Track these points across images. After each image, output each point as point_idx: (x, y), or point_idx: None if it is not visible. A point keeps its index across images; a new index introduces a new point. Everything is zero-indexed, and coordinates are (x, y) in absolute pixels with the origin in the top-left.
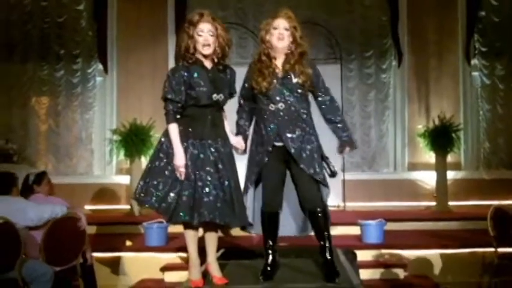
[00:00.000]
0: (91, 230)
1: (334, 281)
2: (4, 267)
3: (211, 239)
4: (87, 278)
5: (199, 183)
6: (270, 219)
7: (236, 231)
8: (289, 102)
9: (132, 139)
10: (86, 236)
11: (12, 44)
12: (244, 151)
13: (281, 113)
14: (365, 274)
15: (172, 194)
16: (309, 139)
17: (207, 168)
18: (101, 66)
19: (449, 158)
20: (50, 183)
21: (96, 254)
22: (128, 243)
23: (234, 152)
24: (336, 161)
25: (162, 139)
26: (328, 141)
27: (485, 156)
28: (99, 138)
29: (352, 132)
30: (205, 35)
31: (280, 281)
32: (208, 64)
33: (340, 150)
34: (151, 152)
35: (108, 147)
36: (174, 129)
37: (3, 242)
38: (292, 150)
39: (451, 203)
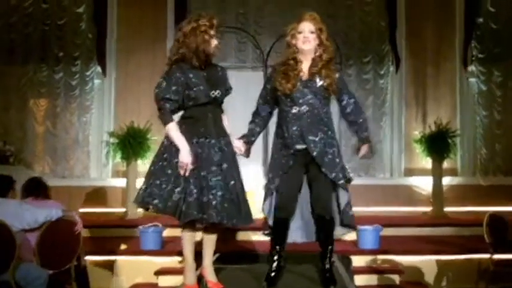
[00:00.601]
0: (86, 233)
1: None
2: None
3: (210, 242)
4: (81, 281)
5: (205, 184)
6: (281, 225)
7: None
8: (312, 105)
9: (130, 142)
10: (80, 239)
11: (13, 46)
12: (247, 155)
13: (304, 116)
14: (360, 280)
15: (177, 193)
16: (331, 143)
17: (213, 168)
18: (99, 69)
19: (446, 164)
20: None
21: (90, 257)
22: (123, 246)
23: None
24: None
25: (165, 141)
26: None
27: (482, 162)
28: (96, 141)
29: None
30: (216, 38)
31: (282, 287)
32: (201, 63)
33: (359, 150)
34: (148, 154)
35: (105, 150)
36: (173, 127)
37: None
38: (315, 153)
39: (447, 209)
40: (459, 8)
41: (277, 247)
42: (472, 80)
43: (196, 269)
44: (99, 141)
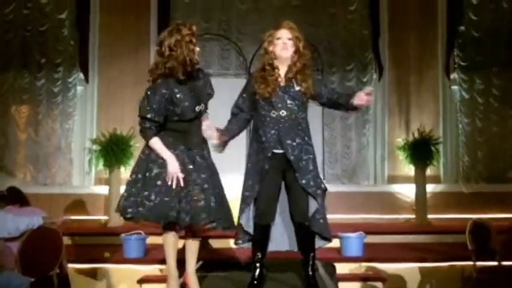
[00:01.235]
0: (69, 240)
1: None
2: None
3: (193, 250)
4: None
5: (195, 190)
6: (262, 232)
7: (216, 243)
8: (290, 109)
9: (112, 149)
10: (62, 247)
11: None
12: (222, 147)
13: (282, 120)
14: (344, 287)
15: (159, 199)
16: (307, 149)
17: (203, 176)
18: (82, 76)
19: (429, 171)
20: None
21: (73, 265)
22: (106, 254)
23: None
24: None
25: (146, 150)
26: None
27: (465, 169)
28: (79, 148)
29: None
30: (197, 47)
31: None
32: (180, 75)
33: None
34: (131, 162)
35: (87, 157)
36: (156, 141)
37: None
38: (292, 158)
39: (430, 216)
40: (441, 16)
41: (259, 254)
42: (455, 87)
43: (180, 277)
44: (81, 148)
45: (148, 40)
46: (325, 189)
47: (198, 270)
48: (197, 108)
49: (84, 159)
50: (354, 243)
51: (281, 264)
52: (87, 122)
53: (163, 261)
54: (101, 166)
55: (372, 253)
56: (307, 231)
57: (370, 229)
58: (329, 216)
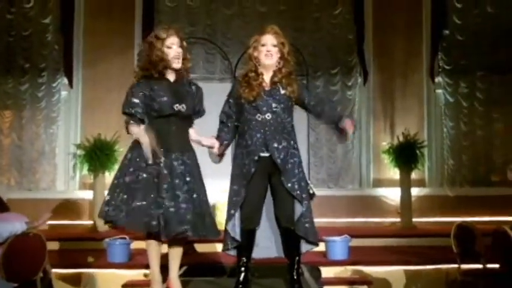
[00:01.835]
0: (53, 245)
1: None
2: None
3: (176, 255)
4: None
5: (169, 197)
6: (247, 236)
7: (201, 248)
8: (276, 113)
9: (96, 154)
10: (46, 252)
11: None
12: (220, 157)
13: (268, 124)
14: None
15: (141, 207)
16: (293, 153)
17: (176, 181)
18: (66, 80)
19: (414, 175)
20: None
21: (58, 270)
22: (90, 259)
23: (210, 157)
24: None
25: (128, 154)
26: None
27: (449, 173)
28: (63, 153)
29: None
30: (176, 49)
31: None
32: (171, 77)
33: (342, 132)
34: (115, 167)
35: (71, 162)
36: (134, 127)
37: None
38: (278, 161)
39: (415, 220)
40: (426, 20)
41: (244, 259)
42: (439, 91)
43: (163, 282)
44: (66, 153)
45: (132, 44)
46: (313, 194)
47: (182, 275)
48: (176, 107)
49: (68, 164)
50: (339, 246)
51: (266, 268)
52: (71, 127)
53: (147, 266)
54: (85, 171)
55: (357, 256)
56: (292, 235)
57: (355, 233)
58: (315, 220)
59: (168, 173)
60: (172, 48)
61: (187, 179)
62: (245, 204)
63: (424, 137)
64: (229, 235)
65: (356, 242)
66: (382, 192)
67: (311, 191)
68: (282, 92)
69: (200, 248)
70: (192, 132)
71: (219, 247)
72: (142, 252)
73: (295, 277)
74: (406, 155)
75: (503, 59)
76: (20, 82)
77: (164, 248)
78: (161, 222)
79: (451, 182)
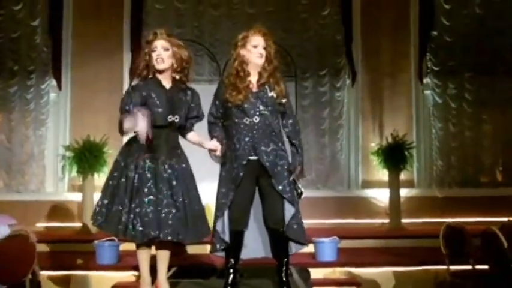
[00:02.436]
0: (42, 247)
1: None
2: None
3: (163, 257)
4: None
5: (151, 202)
6: (235, 238)
7: (191, 249)
8: (264, 116)
9: (85, 155)
10: (35, 254)
11: None
12: (223, 158)
13: (256, 127)
14: None
15: (124, 213)
16: (282, 155)
17: (160, 186)
18: (55, 82)
19: (403, 176)
20: None
21: (46, 272)
22: (79, 261)
23: (211, 157)
24: None
25: (118, 158)
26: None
27: (438, 174)
28: (52, 155)
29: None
30: (159, 51)
31: None
32: (166, 83)
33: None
34: (104, 169)
35: (60, 164)
36: (125, 118)
37: None
38: (267, 164)
39: (404, 221)
40: (414, 21)
41: (232, 260)
42: (428, 92)
43: (153, 283)
44: (55, 155)
45: (121, 47)
46: (301, 193)
47: (171, 276)
48: (169, 118)
49: (57, 166)
50: (328, 248)
51: (255, 269)
52: (60, 128)
53: (136, 268)
54: (74, 173)
55: (346, 258)
56: (281, 237)
57: (344, 234)
58: (303, 221)
59: (152, 177)
60: (156, 51)
61: (174, 183)
62: (234, 206)
63: (413, 138)
64: (217, 237)
65: (345, 243)
66: (370, 193)
67: (299, 190)
68: (270, 94)
69: (189, 249)
70: (193, 135)
71: (208, 249)
72: (131, 254)
73: (283, 278)
74: (394, 156)
75: (492, 60)
76: (8, 84)
77: (153, 249)
78: (130, 227)
79: (440, 183)
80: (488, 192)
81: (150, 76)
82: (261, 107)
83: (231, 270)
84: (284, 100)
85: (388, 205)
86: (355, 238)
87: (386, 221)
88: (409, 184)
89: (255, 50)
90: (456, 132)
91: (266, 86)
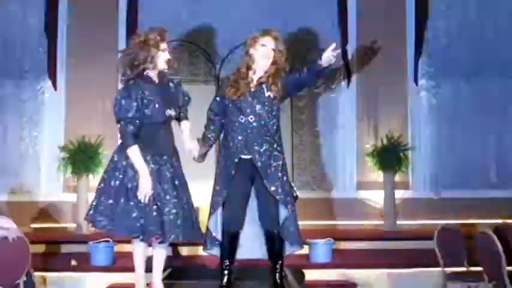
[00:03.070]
0: (37, 248)
1: None
2: None
3: (160, 258)
4: None
5: (159, 202)
6: (230, 239)
7: (185, 251)
8: (259, 115)
9: (80, 156)
10: (29, 255)
11: None
12: (202, 158)
13: (251, 126)
14: None
15: (122, 209)
16: (277, 156)
17: (165, 186)
18: (50, 83)
19: (398, 178)
20: None
21: (41, 273)
22: (73, 262)
23: (194, 159)
24: None
25: (115, 157)
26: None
27: (433, 175)
28: (47, 156)
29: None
30: (167, 52)
31: None
32: (155, 79)
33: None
34: (99, 169)
35: (55, 165)
36: (135, 150)
37: None
38: (259, 164)
39: (399, 222)
40: (409, 23)
41: (227, 261)
42: (423, 94)
43: (148, 285)
44: (49, 156)
45: (116, 48)
46: (296, 196)
47: (166, 277)
48: (167, 112)
49: (52, 166)
50: (322, 249)
51: (249, 271)
52: (55, 129)
53: (131, 269)
54: (69, 173)
55: (340, 259)
56: (275, 238)
57: (338, 235)
58: (298, 222)
59: (157, 179)
60: (166, 51)
61: (176, 182)
62: (228, 206)
63: (408, 139)
64: (210, 235)
65: (339, 245)
66: (365, 194)
67: (294, 194)
68: (266, 94)
69: (185, 250)
70: (185, 125)
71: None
72: (126, 255)
73: (278, 280)
74: (389, 157)
75: (487, 62)
76: (3, 84)
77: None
78: (156, 227)
79: (435, 185)
80: (483, 194)
81: (142, 74)
82: (258, 107)
83: (226, 272)
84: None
85: (383, 207)
86: (350, 240)
87: (381, 222)
88: (404, 186)
89: (262, 49)
90: (451, 134)
91: (263, 86)
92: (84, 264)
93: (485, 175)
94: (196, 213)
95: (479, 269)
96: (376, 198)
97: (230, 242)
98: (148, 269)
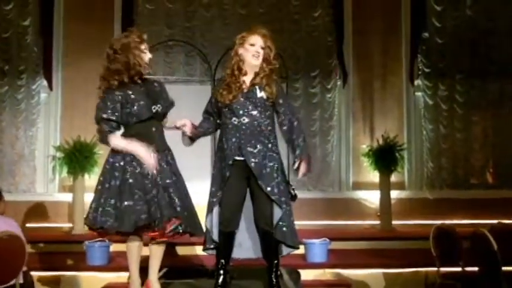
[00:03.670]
0: (32, 248)
1: None
2: None
3: (157, 255)
4: None
5: (160, 191)
6: (225, 239)
7: (181, 250)
8: (253, 116)
9: (76, 156)
10: (25, 255)
11: None
12: (191, 140)
13: (244, 127)
14: None
15: (126, 205)
16: (271, 156)
17: (167, 181)
18: (45, 83)
19: (393, 178)
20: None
21: (37, 273)
22: (69, 262)
23: (182, 140)
24: None
25: (111, 159)
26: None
27: (429, 176)
28: (43, 155)
29: (307, 152)
30: (148, 53)
31: None
32: (138, 80)
33: (297, 167)
34: (95, 169)
35: (51, 165)
36: (116, 138)
37: None
38: (253, 165)
39: (394, 222)
40: (405, 22)
41: (223, 261)
42: (419, 94)
43: (142, 284)
44: (45, 155)
45: None
46: (295, 195)
47: (162, 277)
48: (154, 108)
49: (48, 166)
50: (318, 249)
51: (245, 270)
52: (50, 129)
53: (127, 269)
54: (64, 173)
55: (336, 259)
56: (271, 238)
57: (334, 235)
58: (294, 222)
59: (159, 173)
60: (147, 53)
61: (174, 178)
62: (223, 207)
63: (404, 139)
64: (208, 235)
65: (335, 245)
66: (361, 195)
67: (293, 193)
68: (259, 94)
69: (181, 250)
70: (167, 121)
71: (198, 249)
72: (122, 255)
73: (273, 280)
74: (385, 157)
75: (483, 62)
76: None
77: (145, 250)
78: (153, 213)
79: (431, 185)
80: (479, 194)
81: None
82: (250, 107)
83: (221, 271)
84: (280, 100)
85: (379, 207)
86: (346, 240)
87: (377, 222)
88: (400, 186)
89: (251, 49)
90: (447, 134)
91: (256, 87)
92: (80, 263)
93: (482, 175)
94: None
95: (475, 268)
96: (372, 198)
97: (226, 242)
98: (144, 267)
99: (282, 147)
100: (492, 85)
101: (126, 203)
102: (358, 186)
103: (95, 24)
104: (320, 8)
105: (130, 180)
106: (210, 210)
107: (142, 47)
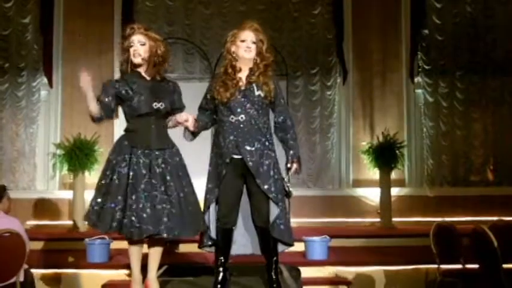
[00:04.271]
0: (33, 245)
1: None
2: None
3: (155, 255)
4: None
5: (146, 197)
6: (223, 236)
7: (181, 248)
8: (250, 114)
9: (76, 153)
10: (25, 252)
11: None
12: (194, 135)
13: (241, 125)
14: None
15: (117, 209)
16: (268, 154)
17: (153, 181)
18: (45, 80)
19: (393, 175)
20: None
21: (37, 270)
22: (70, 259)
23: (184, 135)
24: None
25: (109, 156)
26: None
27: (429, 173)
28: (43, 153)
29: (299, 153)
30: (135, 45)
31: None
32: (147, 75)
33: (288, 167)
34: (95, 166)
35: (51, 162)
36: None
37: None
38: (250, 164)
39: (394, 220)
40: (405, 20)
41: (222, 258)
42: (419, 91)
43: (143, 281)
44: (45, 153)
45: (111, 45)
46: (290, 192)
47: (162, 274)
48: (155, 105)
49: (48, 163)
50: (318, 246)
51: (245, 268)
52: (51, 126)
53: (127, 266)
54: (65, 171)
55: (336, 257)
56: (269, 236)
57: (334, 233)
58: (294, 220)
59: (147, 173)
60: (133, 45)
61: (167, 178)
62: (220, 204)
63: (404, 137)
64: (205, 232)
65: (335, 242)
66: (361, 192)
67: (288, 190)
68: (257, 93)
69: (181, 247)
70: (183, 115)
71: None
72: (122, 252)
73: (273, 277)
74: (385, 155)
75: (483, 59)
76: None
77: (145, 248)
78: (127, 224)
79: (431, 182)
80: (479, 192)
81: (129, 71)
82: (248, 105)
83: (221, 269)
84: (277, 99)
85: (379, 204)
86: (346, 237)
87: (377, 220)
88: (400, 183)
89: (243, 44)
90: (447, 131)
91: (254, 85)
92: (81, 261)
93: (482, 172)
94: (195, 209)
95: (475, 266)
96: (372, 195)
97: (224, 239)
98: (144, 266)
99: (277, 144)
100: (492, 82)
101: (108, 204)
102: (358, 183)
103: (94, 21)
104: (320, 6)
105: (116, 182)
106: (206, 206)
107: (129, 40)
